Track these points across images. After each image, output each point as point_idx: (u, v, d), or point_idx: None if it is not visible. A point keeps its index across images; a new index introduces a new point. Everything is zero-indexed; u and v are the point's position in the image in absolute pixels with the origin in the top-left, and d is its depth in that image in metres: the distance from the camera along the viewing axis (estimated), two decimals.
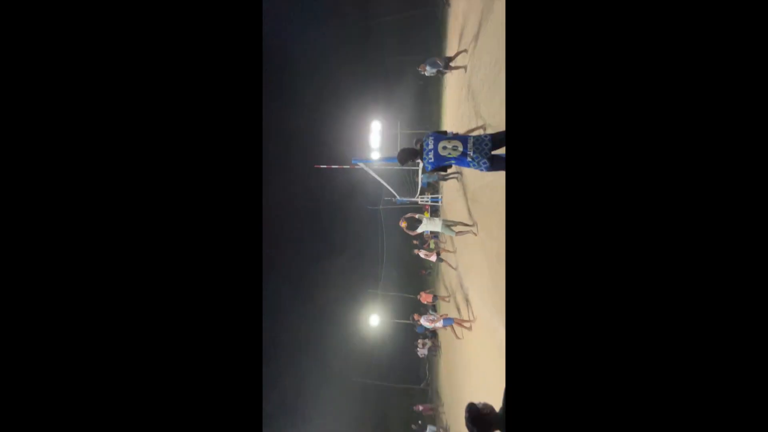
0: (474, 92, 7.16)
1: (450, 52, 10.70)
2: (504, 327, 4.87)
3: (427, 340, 14.22)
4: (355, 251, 23.87)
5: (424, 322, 7.88)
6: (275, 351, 18.24)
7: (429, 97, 17.20)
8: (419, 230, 7.39)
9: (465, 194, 8.72)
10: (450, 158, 2.99)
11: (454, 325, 7.58)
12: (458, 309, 8.76)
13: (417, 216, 7.28)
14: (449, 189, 11.66)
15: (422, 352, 14.45)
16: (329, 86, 18.88)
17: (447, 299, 10.16)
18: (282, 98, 17.30)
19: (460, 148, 2.92)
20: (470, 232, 7.13)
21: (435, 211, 12.51)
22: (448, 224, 7.43)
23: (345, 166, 11.22)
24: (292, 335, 19.71)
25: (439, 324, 7.75)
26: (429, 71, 8.08)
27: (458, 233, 7.53)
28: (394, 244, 23.41)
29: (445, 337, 13.15)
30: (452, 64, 7.99)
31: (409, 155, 3.41)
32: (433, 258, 9.91)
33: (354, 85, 18.54)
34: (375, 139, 13.38)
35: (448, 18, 13.40)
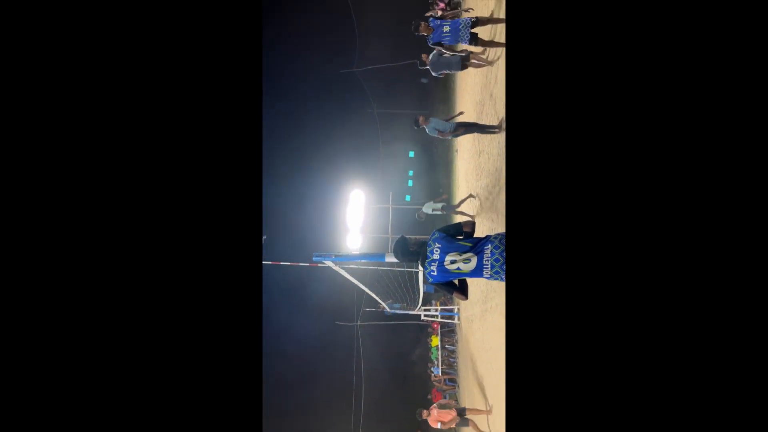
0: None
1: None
2: None
3: None
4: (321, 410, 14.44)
5: None
6: None
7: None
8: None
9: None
10: (459, 275, 2.35)
11: None
12: None
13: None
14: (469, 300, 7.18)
15: None
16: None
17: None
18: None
19: (474, 262, 2.25)
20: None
21: (449, 335, 8.17)
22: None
23: (301, 264, 7.09)
24: None
25: None
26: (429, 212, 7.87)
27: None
28: (376, 386, 15.00)
29: None
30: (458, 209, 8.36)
31: (406, 253, 2.47)
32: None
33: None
34: (352, 218, 7.91)
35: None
